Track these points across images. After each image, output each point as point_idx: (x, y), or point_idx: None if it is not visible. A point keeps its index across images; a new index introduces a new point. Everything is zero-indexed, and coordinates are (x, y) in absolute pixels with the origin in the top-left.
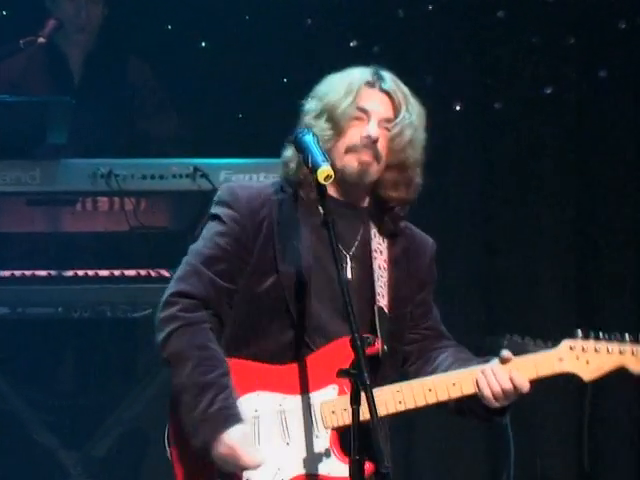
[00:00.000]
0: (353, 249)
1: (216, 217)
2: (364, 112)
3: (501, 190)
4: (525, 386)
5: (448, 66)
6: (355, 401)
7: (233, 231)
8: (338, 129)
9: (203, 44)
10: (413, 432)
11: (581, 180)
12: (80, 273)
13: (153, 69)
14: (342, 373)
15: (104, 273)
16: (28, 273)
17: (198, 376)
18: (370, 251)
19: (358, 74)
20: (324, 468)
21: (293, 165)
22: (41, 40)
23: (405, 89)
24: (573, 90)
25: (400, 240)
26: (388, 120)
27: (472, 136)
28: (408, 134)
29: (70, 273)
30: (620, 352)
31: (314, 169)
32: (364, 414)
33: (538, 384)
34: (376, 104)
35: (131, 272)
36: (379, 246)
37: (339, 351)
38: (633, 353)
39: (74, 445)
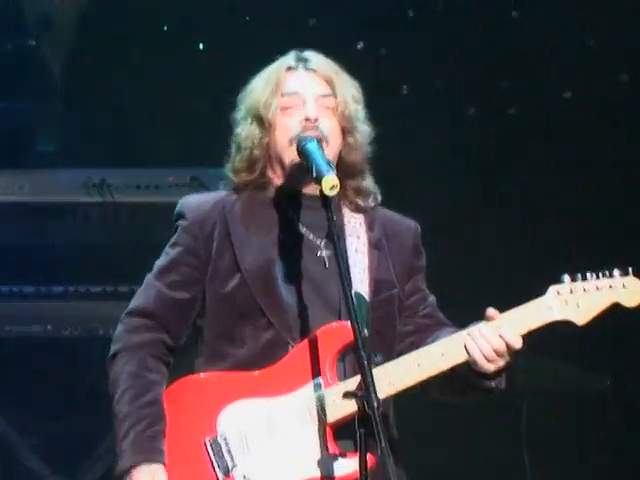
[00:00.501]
0: (326, 237)
1: (173, 230)
2: (294, 96)
3: (517, 194)
4: (517, 341)
5: (460, 69)
6: (362, 424)
7: (183, 240)
8: (266, 126)
9: (201, 46)
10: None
11: (597, 184)
12: (70, 289)
13: (147, 72)
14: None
15: (96, 289)
16: (16, 289)
17: (121, 405)
18: (344, 237)
19: (278, 63)
20: (322, 468)
21: (246, 169)
22: (31, 43)
23: (335, 65)
24: (592, 94)
25: (378, 224)
26: (325, 96)
27: (486, 142)
28: (352, 103)
29: (60, 289)
30: (610, 287)
31: (318, 179)
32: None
33: (559, 402)
34: (305, 84)
35: (124, 288)
36: (355, 230)
37: (319, 342)
38: (624, 286)
39: (66, 472)
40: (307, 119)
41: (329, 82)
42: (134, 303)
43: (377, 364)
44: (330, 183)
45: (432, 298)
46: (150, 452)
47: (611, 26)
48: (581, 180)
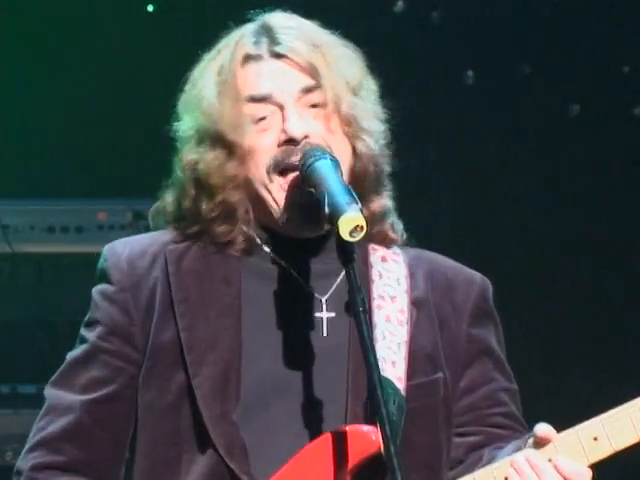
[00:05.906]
0: (331, 291)
1: (92, 299)
2: (265, 102)
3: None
4: (581, 474)
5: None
6: None
7: (107, 315)
8: (238, 153)
9: (150, 8)
10: None
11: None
12: None
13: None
14: None
15: None
16: None
17: None
18: (369, 296)
19: (229, 50)
20: None
21: (224, 220)
22: None
23: (317, 31)
24: None
25: (424, 272)
26: (309, 89)
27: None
28: (347, 92)
29: None
30: None
31: (334, 216)
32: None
33: None
34: (278, 80)
35: (30, 389)
36: (388, 289)
37: (315, 459)
38: None
39: None
40: (288, 139)
41: (312, 68)
42: (37, 437)
43: None
44: (352, 223)
45: (508, 396)
46: None
47: None
48: None
